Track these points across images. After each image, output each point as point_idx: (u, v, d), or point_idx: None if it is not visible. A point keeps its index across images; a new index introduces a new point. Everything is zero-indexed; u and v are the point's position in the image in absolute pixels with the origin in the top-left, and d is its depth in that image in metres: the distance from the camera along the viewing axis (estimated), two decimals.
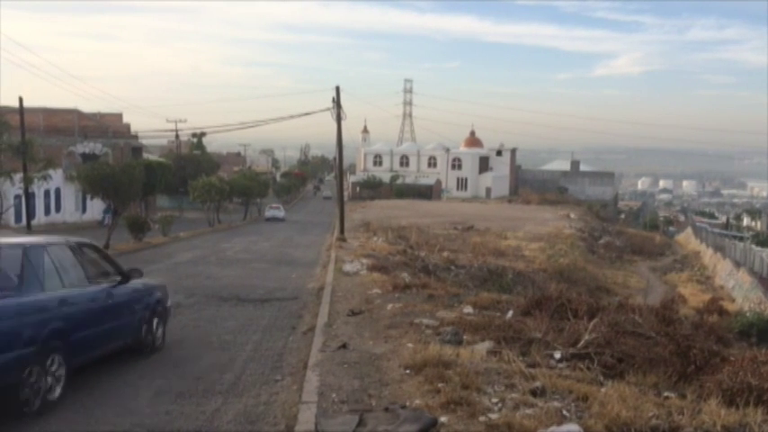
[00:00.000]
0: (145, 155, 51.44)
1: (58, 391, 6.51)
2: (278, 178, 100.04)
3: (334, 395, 6.44)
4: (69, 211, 40.72)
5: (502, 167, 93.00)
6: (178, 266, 19.58)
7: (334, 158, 36.90)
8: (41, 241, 7.42)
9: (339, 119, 30.81)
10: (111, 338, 7.88)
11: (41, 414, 6.10)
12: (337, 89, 30.73)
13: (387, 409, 6.07)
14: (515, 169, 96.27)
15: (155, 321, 8.93)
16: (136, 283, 8.66)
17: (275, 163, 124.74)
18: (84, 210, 42.13)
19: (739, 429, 6.06)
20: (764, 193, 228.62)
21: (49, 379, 6.38)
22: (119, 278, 8.34)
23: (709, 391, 7.30)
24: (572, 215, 61.48)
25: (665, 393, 7.45)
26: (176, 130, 54.36)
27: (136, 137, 50.26)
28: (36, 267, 6.64)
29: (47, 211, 37.79)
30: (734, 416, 6.37)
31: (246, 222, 50.44)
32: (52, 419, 6.11)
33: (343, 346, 8.68)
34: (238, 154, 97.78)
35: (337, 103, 30.62)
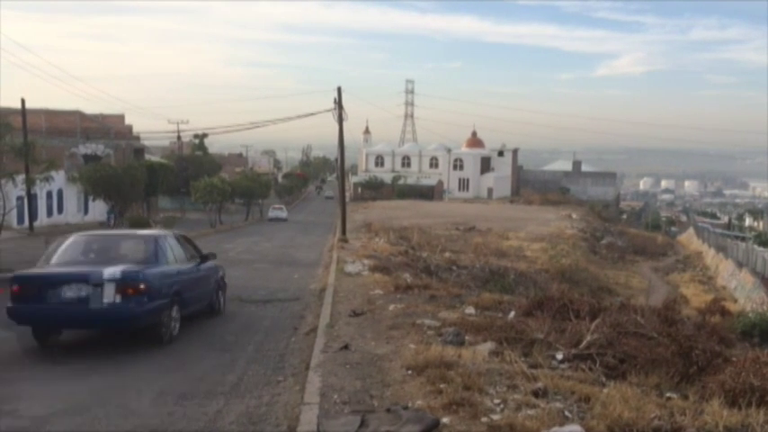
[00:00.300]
0: (147, 156, 51.51)
1: (176, 329, 9.67)
2: (280, 179, 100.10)
3: (336, 396, 6.45)
4: (71, 213, 40.77)
5: (503, 168, 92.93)
6: None
7: (336, 159, 36.92)
8: (161, 233, 11.00)
9: (341, 120, 30.83)
10: (200, 300, 10.98)
11: (169, 343, 9.31)
12: (339, 90, 30.74)
13: (389, 410, 6.07)
14: (517, 170, 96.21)
15: (219, 292, 12.11)
16: (210, 263, 11.57)
17: (277, 164, 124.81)
18: (86, 211, 42.17)
19: (741, 430, 6.06)
20: (767, 194, 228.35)
21: (173, 322, 9.53)
22: (199, 258, 11.19)
23: (712, 392, 7.29)
24: (574, 215, 61.44)
25: (668, 394, 7.45)
26: (178, 132, 54.44)
27: (138, 138, 50.31)
28: (163, 249, 9.94)
29: (49, 213, 37.84)
30: (736, 417, 6.36)
31: (248, 223, 50.48)
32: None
33: (345, 346, 8.68)
34: (240, 155, 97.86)
35: (339, 103, 30.63)
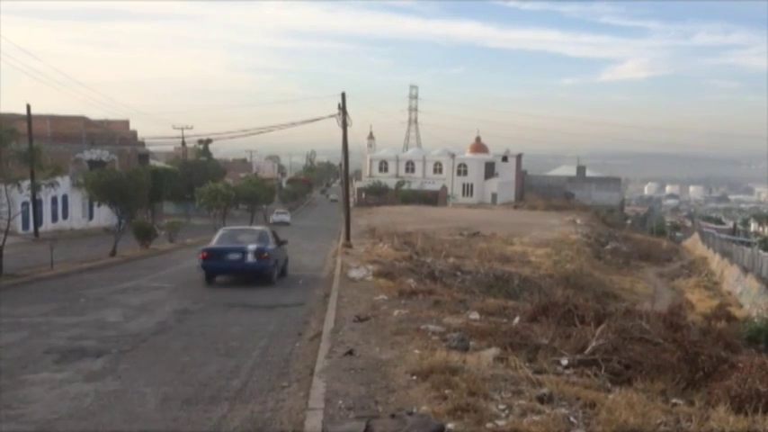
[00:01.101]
0: (151, 161, 51.65)
1: (276, 278, 17.49)
2: (284, 184, 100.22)
3: (340, 402, 6.44)
4: (76, 218, 40.89)
5: (507, 173, 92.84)
6: (185, 273, 19.63)
7: (340, 164, 36.94)
8: (265, 228, 20.19)
9: (345, 125, 30.87)
10: (281, 267, 18.56)
11: (272, 285, 16.91)
12: (343, 95, 30.79)
13: (393, 416, 6.05)
14: (521, 175, 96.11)
15: (287, 262, 19.78)
16: (284, 246, 19.29)
17: (281, 169, 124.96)
18: (90, 216, 42.29)
19: None
20: None
21: (276, 273, 17.67)
22: (279, 243, 18.75)
23: (718, 398, 7.26)
24: (578, 221, 61.32)
25: (673, 400, 7.42)
26: (182, 137, 54.59)
27: (142, 144, 50.47)
28: (268, 237, 18.16)
29: (54, 218, 37.97)
30: (742, 423, 6.33)
31: None
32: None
33: (350, 352, 8.67)
34: (244, 160, 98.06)
35: (343, 109, 30.68)
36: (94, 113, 53.11)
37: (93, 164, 42.25)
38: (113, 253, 23.16)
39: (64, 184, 35.41)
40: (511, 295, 21.36)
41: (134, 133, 51.18)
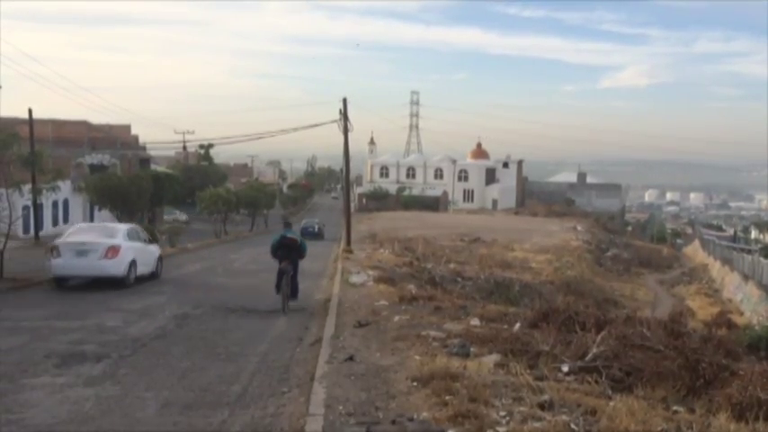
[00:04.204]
0: (153, 166, 51.70)
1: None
2: (284, 189, 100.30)
3: (341, 407, 6.43)
4: (77, 222, 40.88)
5: (508, 179, 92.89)
6: (186, 277, 19.64)
7: (341, 170, 36.99)
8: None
9: (346, 130, 30.92)
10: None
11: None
12: (344, 101, 30.85)
13: (394, 422, 6.05)
14: (522, 181, 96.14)
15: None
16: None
17: (282, 174, 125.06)
18: (91, 220, 42.30)
19: None
20: None
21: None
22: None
23: (719, 406, 7.25)
24: (579, 227, 61.31)
25: (674, 407, 7.41)
26: (184, 142, 54.67)
27: (144, 148, 50.53)
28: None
29: (54, 222, 37.96)
30: (743, 430, 6.33)
31: (253, 233, 50.55)
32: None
33: (351, 357, 8.66)
34: (245, 165, 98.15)
35: (344, 114, 30.73)
36: (97, 118, 53.16)
37: (95, 168, 42.31)
38: None
39: (65, 188, 35.47)
40: (512, 301, 21.33)
41: (136, 138, 51.24)
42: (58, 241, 16.75)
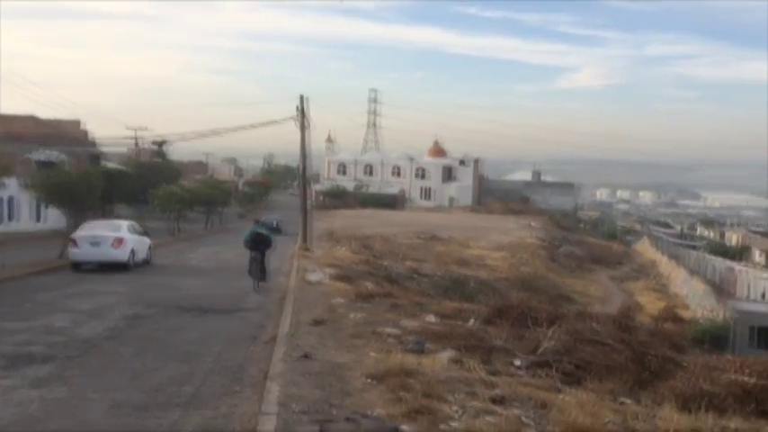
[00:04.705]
0: (104, 163, 50.40)
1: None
2: (241, 186, 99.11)
3: (295, 406, 6.41)
4: (24, 220, 39.58)
5: (466, 177, 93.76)
6: (139, 276, 19.22)
7: (298, 167, 36.76)
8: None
9: (303, 128, 30.73)
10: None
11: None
12: (302, 98, 30.66)
13: (348, 419, 6.06)
14: (479, 179, 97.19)
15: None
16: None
17: (238, 171, 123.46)
18: (39, 218, 41.01)
19: None
20: (717, 204, 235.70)
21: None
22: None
23: (664, 397, 7.50)
24: (534, 224, 62.33)
25: (622, 399, 7.62)
26: (135, 138, 53.45)
27: (94, 144, 49.20)
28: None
29: None
30: (687, 421, 6.55)
31: (209, 232, 49.78)
32: None
33: (306, 355, 8.64)
34: (200, 162, 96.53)
35: (301, 111, 30.54)
36: (47, 113, 51.47)
37: (43, 165, 40.98)
38: (61, 256, 22.48)
39: (11, 184, 34.31)
40: (467, 298, 21.58)
41: (85, 133, 49.88)
42: (75, 235, 20.30)
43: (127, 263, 19.98)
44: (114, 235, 20.13)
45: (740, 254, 79.04)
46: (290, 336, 10.03)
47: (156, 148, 66.23)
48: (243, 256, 28.78)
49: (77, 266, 19.89)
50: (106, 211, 42.39)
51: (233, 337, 10.81)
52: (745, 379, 7.54)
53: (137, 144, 54.92)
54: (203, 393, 7.38)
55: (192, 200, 48.91)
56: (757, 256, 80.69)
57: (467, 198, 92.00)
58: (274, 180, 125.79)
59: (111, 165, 51.62)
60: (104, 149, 53.40)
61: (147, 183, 49.13)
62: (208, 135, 38.85)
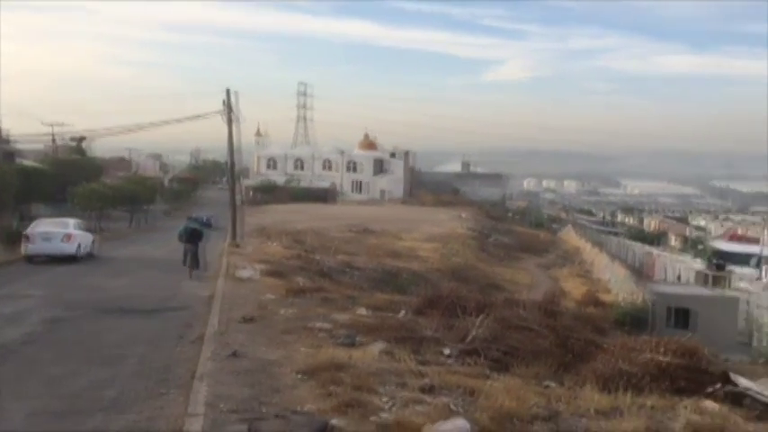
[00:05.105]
0: (19, 160, 47.90)
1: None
2: (167, 183, 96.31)
3: (223, 405, 6.31)
4: None
5: (397, 170, 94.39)
6: (60, 277, 18.41)
7: (226, 162, 36.07)
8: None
9: (230, 122, 30.17)
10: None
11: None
12: (228, 91, 30.08)
13: (278, 416, 6.02)
14: (410, 171, 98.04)
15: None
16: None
17: (164, 167, 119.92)
18: None
19: (611, 412, 6.52)
20: (637, 191, 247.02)
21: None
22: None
23: (586, 379, 7.79)
24: (464, 215, 63.43)
25: (546, 383, 7.88)
26: (53, 134, 51.07)
27: (8, 141, 46.67)
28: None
29: None
30: (607, 400, 6.84)
31: (134, 230, 48.17)
32: None
33: (235, 353, 8.51)
34: (123, 159, 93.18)
35: (228, 105, 29.97)
36: None
37: None
38: None
39: None
40: (400, 290, 21.72)
41: None
42: (29, 231, 22.26)
43: (75, 255, 22.02)
44: (64, 231, 22.29)
45: (657, 239, 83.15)
46: (219, 334, 9.85)
47: (75, 144, 63.46)
48: (172, 253, 28.10)
49: (30, 259, 21.69)
50: (23, 210, 40.38)
51: (159, 337, 10.51)
52: (661, 358, 7.94)
53: (54, 140, 52.48)
54: (127, 397, 7.14)
55: (115, 197, 47.16)
56: (673, 240, 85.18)
57: (398, 190, 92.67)
58: (202, 176, 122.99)
59: (27, 162, 49.11)
60: (19, 146, 50.76)
61: (66, 180, 47.00)
62: (132, 130, 37.43)
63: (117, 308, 13.25)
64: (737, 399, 7.54)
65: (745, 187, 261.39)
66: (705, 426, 6.08)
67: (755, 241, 69.87)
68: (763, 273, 56.09)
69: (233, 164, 32.58)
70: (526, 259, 47.69)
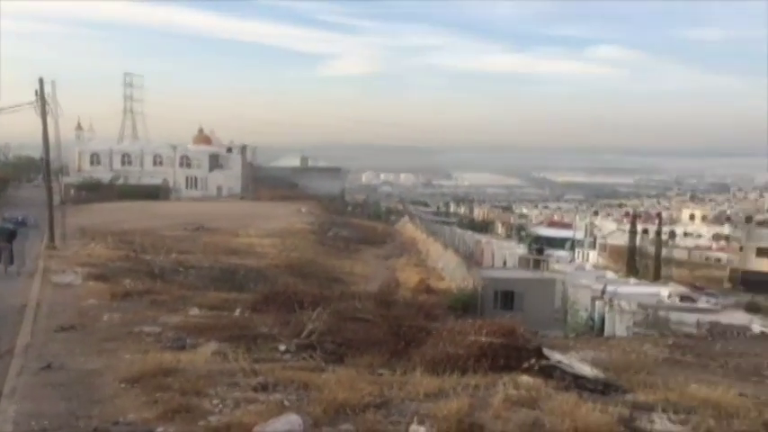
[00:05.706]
0: None
1: None
2: None
3: (34, 423, 5.77)
4: None
5: (234, 165, 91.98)
6: None
7: (41, 158, 32.95)
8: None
9: (44, 114, 27.58)
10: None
11: None
12: (41, 81, 27.46)
13: (96, 430, 5.61)
14: (248, 166, 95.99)
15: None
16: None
17: None
18: None
19: (439, 394, 6.84)
20: (467, 183, 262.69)
21: None
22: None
23: (416, 364, 8.11)
24: (303, 210, 63.39)
25: (380, 371, 8.09)
26: None
27: None
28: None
29: None
30: (435, 383, 7.16)
31: None
32: None
33: (49, 366, 7.81)
34: None
35: (41, 96, 27.37)
36: None
37: None
38: None
39: None
40: (238, 287, 21.21)
41: None
42: None
43: None
44: None
45: (486, 227, 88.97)
46: (30, 346, 8.97)
47: None
48: None
49: None
50: None
51: None
52: (482, 339, 8.47)
53: None
54: None
55: None
56: (500, 228, 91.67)
57: (236, 186, 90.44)
58: (14, 173, 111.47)
59: None
60: None
61: None
62: None
63: None
64: (550, 372, 8.25)
65: (559, 177, 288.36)
66: (520, 398, 6.57)
67: (569, 226, 77.44)
68: (576, 255, 62.33)
69: (48, 161, 29.92)
70: (365, 251, 48.70)
